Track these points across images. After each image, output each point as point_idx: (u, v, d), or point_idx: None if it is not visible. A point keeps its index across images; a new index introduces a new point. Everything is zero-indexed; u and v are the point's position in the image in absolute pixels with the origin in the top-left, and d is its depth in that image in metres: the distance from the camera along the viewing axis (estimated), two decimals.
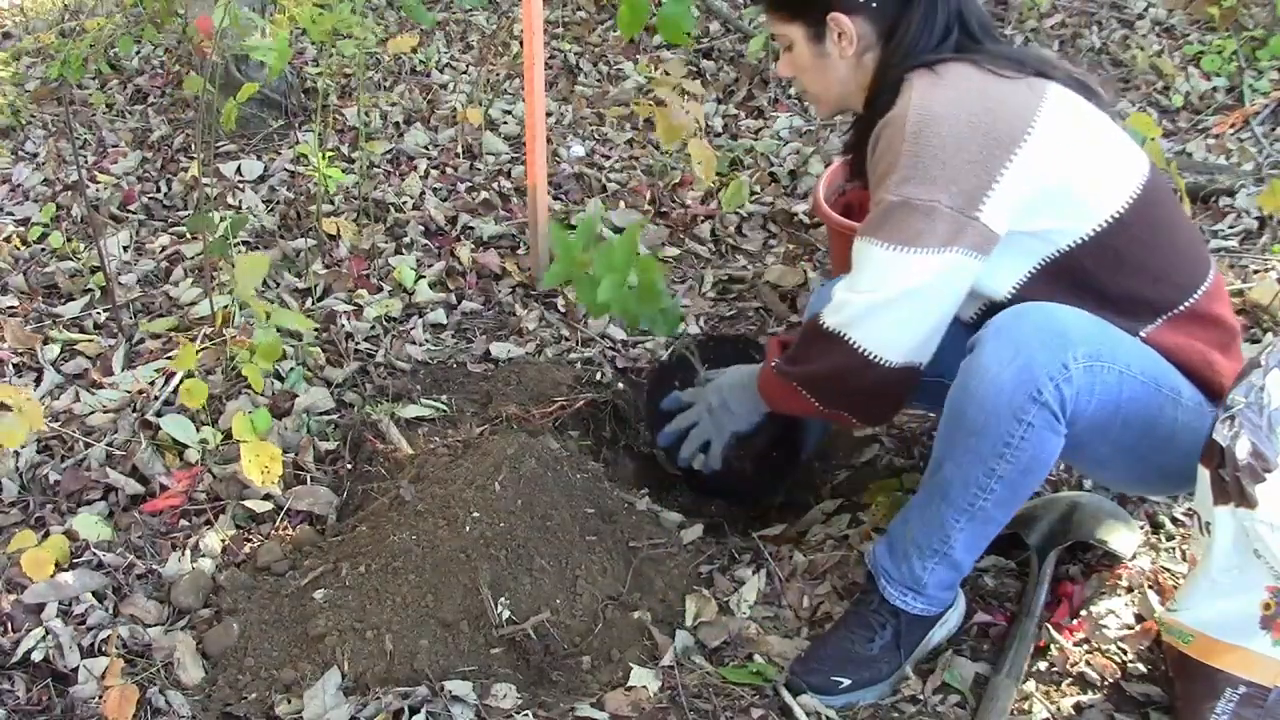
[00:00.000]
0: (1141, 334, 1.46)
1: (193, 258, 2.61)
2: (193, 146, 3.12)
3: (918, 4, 1.46)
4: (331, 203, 2.84)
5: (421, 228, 2.73)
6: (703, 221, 2.79)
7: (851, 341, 1.47)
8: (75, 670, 1.57)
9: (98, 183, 3.00)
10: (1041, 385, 1.32)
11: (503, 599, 1.63)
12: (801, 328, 1.61)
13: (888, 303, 1.43)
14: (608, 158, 3.13)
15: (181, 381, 2.05)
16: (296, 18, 2.24)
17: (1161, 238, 1.48)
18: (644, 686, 1.55)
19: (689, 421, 1.81)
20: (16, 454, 1.96)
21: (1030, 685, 1.54)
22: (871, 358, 1.46)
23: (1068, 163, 1.41)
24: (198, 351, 2.14)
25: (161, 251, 2.67)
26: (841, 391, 1.54)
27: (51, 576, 1.65)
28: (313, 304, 2.44)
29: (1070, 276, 1.46)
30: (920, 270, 1.39)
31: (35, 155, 3.21)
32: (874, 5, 1.47)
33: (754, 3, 1.70)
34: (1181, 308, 1.48)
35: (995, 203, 1.38)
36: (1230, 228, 2.62)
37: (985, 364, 1.35)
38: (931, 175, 1.36)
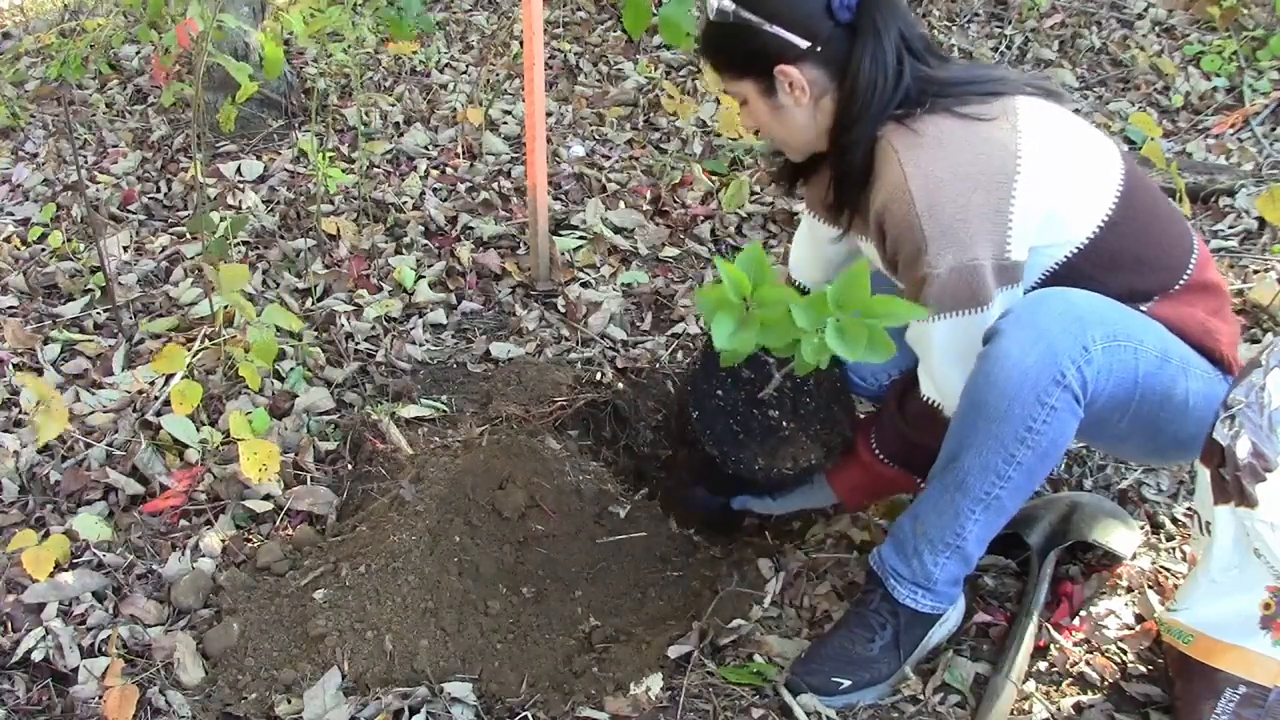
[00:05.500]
0: (1144, 309, 1.50)
1: (193, 258, 2.61)
2: (192, 147, 3.12)
3: (863, 38, 1.44)
4: (331, 203, 2.84)
5: (421, 228, 2.73)
6: (703, 221, 2.79)
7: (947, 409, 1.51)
8: (75, 670, 1.57)
9: (98, 183, 3.00)
10: (1064, 368, 1.36)
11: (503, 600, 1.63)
12: (910, 413, 1.58)
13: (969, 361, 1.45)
14: (608, 158, 3.13)
15: (169, 381, 2.04)
16: (286, 23, 2.23)
17: (1149, 227, 1.52)
18: (644, 687, 1.55)
19: None
20: (16, 454, 1.96)
21: (1030, 685, 1.54)
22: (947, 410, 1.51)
23: (1057, 179, 1.45)
24: (197, 352, 2.14)
25: (161, 251, 2.67)
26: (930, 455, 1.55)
27: (51, 576, 1.65)
28: (313, 304, 2.44)
29: (1070, 284, 1.48)
30: (986, 321, 1.43)
31: (35, 155, 3.20)
32: (818, 49, 1.45)
33: (707, 64, 1.64)
34: (1178, 285, 1.53)
35: (1015, 237, 1.42)
36: (1230, 228, 2.62)
37: (1007, 350, 1.37)
38: (961, 239, 1.39)
